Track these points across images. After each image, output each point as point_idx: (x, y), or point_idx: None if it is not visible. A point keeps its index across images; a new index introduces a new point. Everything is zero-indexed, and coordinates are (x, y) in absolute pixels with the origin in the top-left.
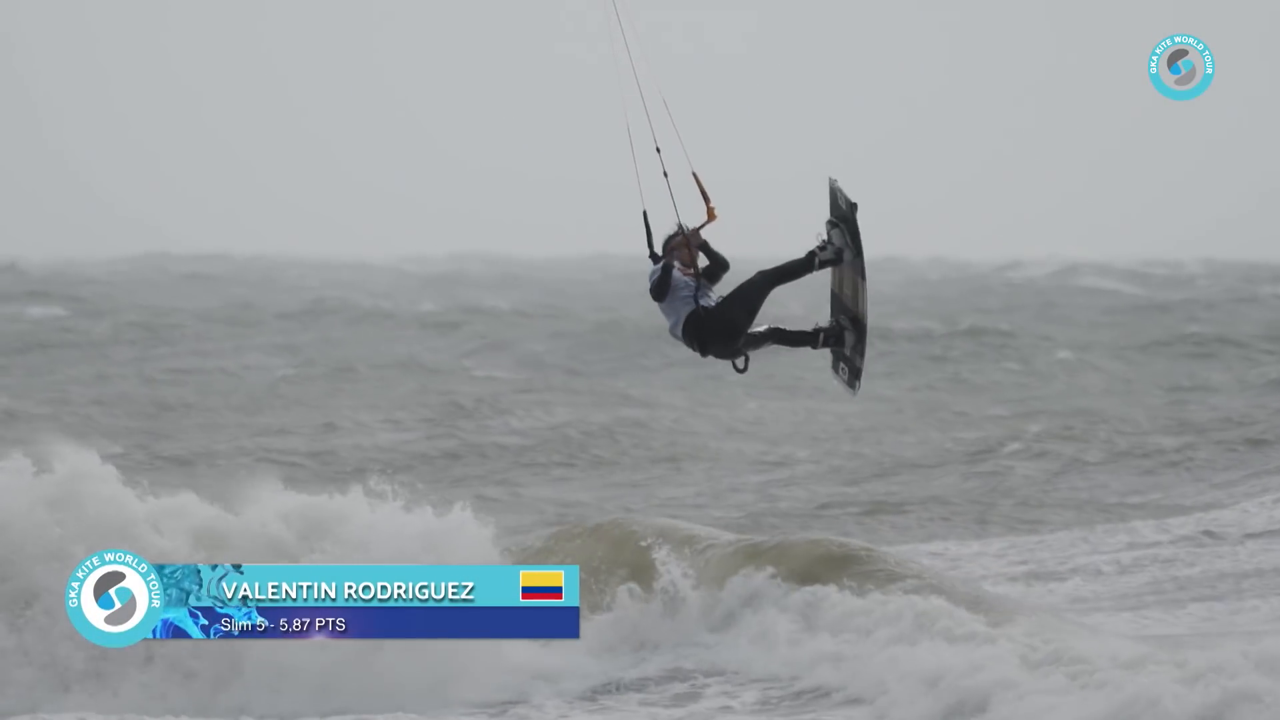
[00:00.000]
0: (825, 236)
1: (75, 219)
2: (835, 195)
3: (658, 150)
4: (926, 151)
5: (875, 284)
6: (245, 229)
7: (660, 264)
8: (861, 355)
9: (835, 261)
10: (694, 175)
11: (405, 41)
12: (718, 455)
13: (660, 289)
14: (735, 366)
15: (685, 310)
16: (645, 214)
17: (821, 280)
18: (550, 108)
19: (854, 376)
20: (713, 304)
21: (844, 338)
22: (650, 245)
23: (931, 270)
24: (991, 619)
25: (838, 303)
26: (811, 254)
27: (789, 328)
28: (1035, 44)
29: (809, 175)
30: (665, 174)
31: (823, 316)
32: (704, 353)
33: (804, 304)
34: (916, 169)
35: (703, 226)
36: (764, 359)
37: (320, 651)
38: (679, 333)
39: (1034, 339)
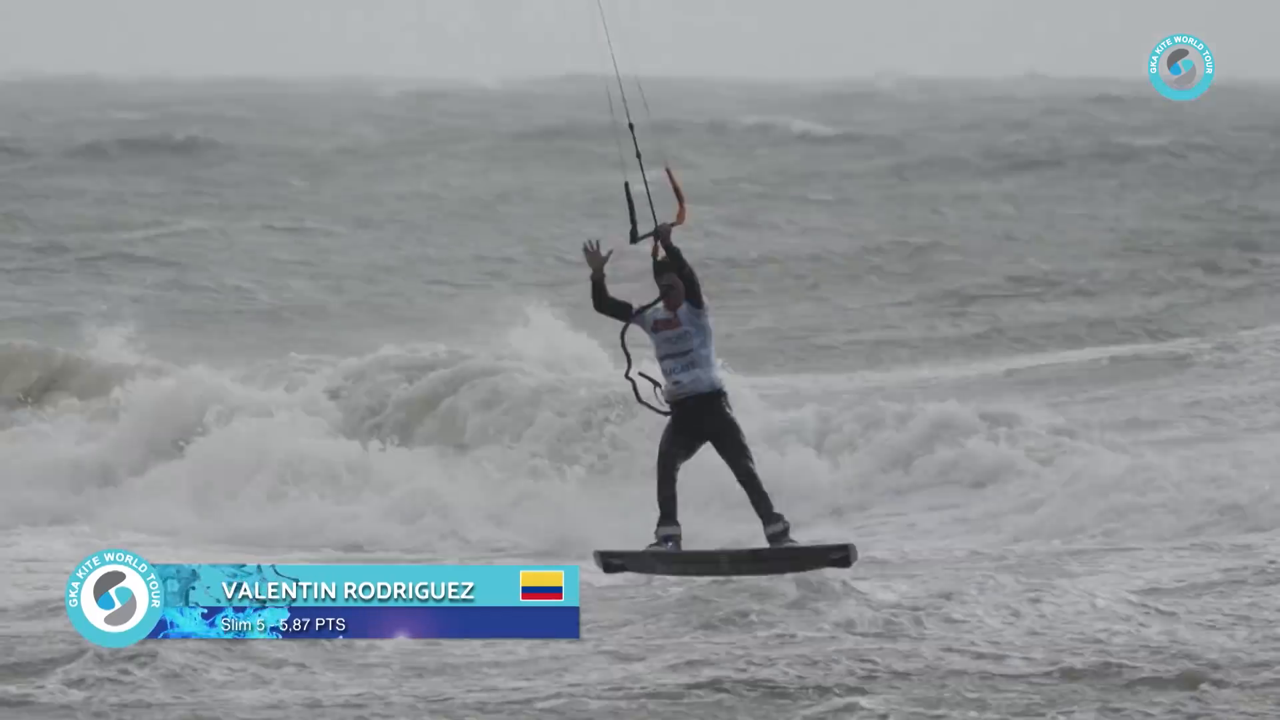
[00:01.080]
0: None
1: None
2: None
3: (630, 127)
4: None
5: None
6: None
7: (635, 312)
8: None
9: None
10: (667, 171)
11: None
12: None
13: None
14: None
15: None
16: (627, 185)
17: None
18: None
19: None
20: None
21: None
22: (633, 220)
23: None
24: None
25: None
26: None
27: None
28: None
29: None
30: (638, 155)
31: None
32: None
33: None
34: None
35: (674, 226)
36: None
37: None
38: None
39: None
